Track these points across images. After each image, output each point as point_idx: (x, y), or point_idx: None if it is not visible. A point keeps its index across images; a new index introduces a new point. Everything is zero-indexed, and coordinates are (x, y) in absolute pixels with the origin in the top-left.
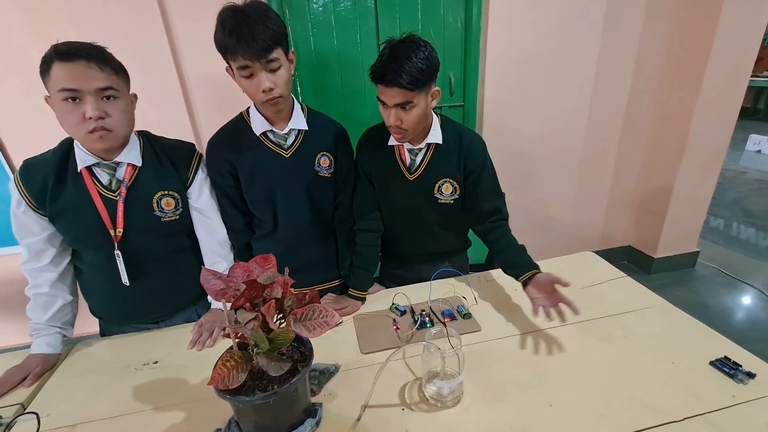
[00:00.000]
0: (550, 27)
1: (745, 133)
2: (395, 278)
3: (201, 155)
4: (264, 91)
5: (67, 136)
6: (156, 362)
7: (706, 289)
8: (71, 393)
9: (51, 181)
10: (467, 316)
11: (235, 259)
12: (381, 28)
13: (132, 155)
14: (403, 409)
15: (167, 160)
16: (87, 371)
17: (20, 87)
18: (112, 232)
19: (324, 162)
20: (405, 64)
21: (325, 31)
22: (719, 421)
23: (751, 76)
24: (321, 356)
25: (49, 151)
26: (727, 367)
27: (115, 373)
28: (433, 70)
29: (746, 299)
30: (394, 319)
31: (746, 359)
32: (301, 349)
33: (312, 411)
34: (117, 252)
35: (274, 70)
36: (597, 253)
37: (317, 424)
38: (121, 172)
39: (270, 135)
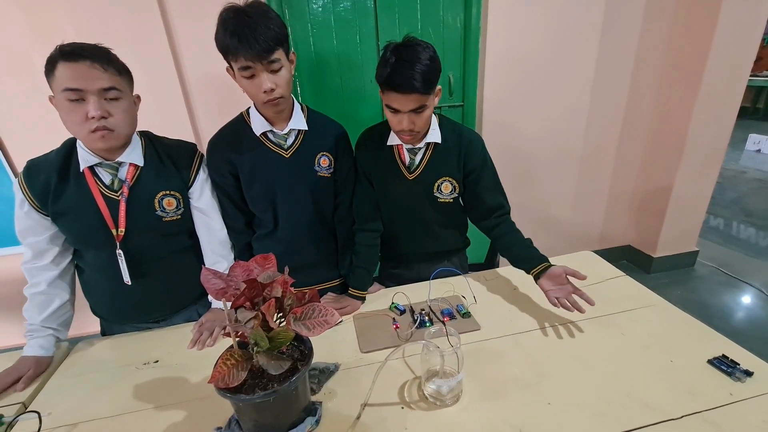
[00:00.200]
0: (549, 27)
1: (745, 132)
2: (395, 278)
3: (202, 155)
4: (265, 92)
5: (70, 136)
6: (157, 361)
7: (706, 288)
8: (72, 392)
9: (54, 181)
10: (466, 315)
11: (235, 258)
12: (380, 29)
13: (134, 155)
14: (402, 408)
15: (169, 160)
16: (88, 370)
17: (20, 87)
18: (114, 231)
19: (324, 162)
20: (417, 68)
21: (324, 31)
22: (717, 419)
23: (751, 76)
24: (321, 355)
25: (52, 151)
26: (724, 365)
27: (116, 372)
28: (439, 70)
29: (745, 298)
30: (394, 319)
31: (744, 357)
32: (301, 348)
33: (312, 409)
34: (119, 251)
35: (275, 71)
36: (597, 252)
37: (317, 422)
38: (124, 172)
39: (270, 135)
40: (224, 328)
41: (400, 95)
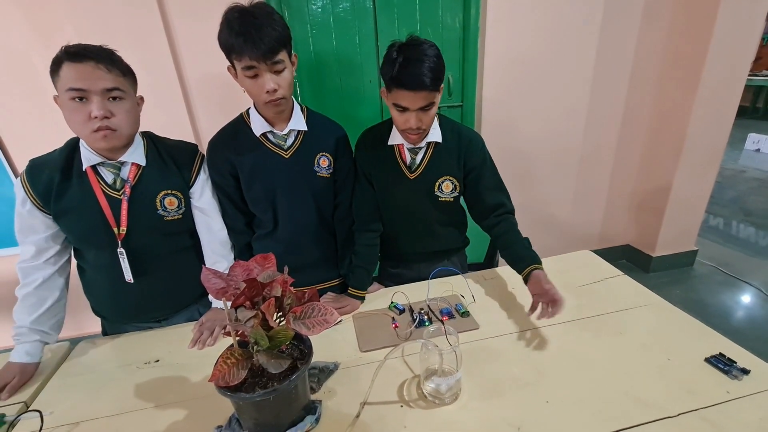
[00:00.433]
0: (547, 27)
1: (744, 132)
2: (395, 277)
3: (203, 156)
4: (268, 92)
5: (70, 136)
6: (157, 361)
7: (705, 287)
8: (74, 391)
9: (56, 179)
10: (465, 314)
11: (235, 258)
12: (380, 29)
13: (136, 155)
14: (401, 406)
15: (170, 160)
16: (89, 370)
17: (20, 88)
18: (115, 230)
19: (323, 162)
20: (425, 65)
21: (324, 32)
22: (713, 417)
23: (750, 75)
24: (321, 354)
25: (55, 150)
26: (721, 363)
27: (117, 371)
28: (444, 67)
29: (745, 297)
30: (393, 318)
31: (741, 356)
32: (301, 347)
33: (312, 408)
34: (120, 250)
35: (278, 72)
36: (596, 252)
37: (317, 420)
38: (126, 172)
39: (270, 136)
40: (224, 327)
41: (409, 93)
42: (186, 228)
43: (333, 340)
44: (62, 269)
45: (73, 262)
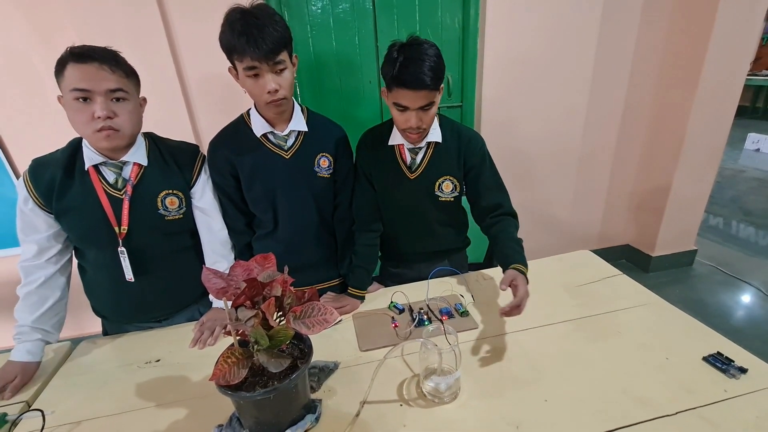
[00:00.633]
0: (547, 27)
1: (744, 131)
2: (396, 277)
3: (204, 156)
4: (269, 92)
5: (71, 137)
6: (158, 360)
7: (704, 287)
8: (75, 390)
9: (59, 178)
10: (464, 313)
11: (235, 258)
12: (379, 30)
13: (138, 155)
14: (401, 405)
15: (172, 160)
16: (91, 369)
17: (20, 88)
18: (116, 229)
19: (323, 163)
20: (426, 65)
21: (323, 32)
22: (711, 415)
23: (750, 75)
24: (321, 354)
25: (57, 150)
26: (719, 362)
27: (118, 371)
28: (444, 67)
29: (744, 297)
30: (393, 317)
31: (739, 355)
32: (301, 346)
33: (312, 407)
34: (121, 249)
35: (279, 72)
36: (595, 251)
37: (317, 419)
38: (128, 171)
39: (270, 136)
40: (225, 327)
41: (410, 92)
42: (187, 228)
43: (333, 339)
44: (64, 268)
45: (74, 262)
